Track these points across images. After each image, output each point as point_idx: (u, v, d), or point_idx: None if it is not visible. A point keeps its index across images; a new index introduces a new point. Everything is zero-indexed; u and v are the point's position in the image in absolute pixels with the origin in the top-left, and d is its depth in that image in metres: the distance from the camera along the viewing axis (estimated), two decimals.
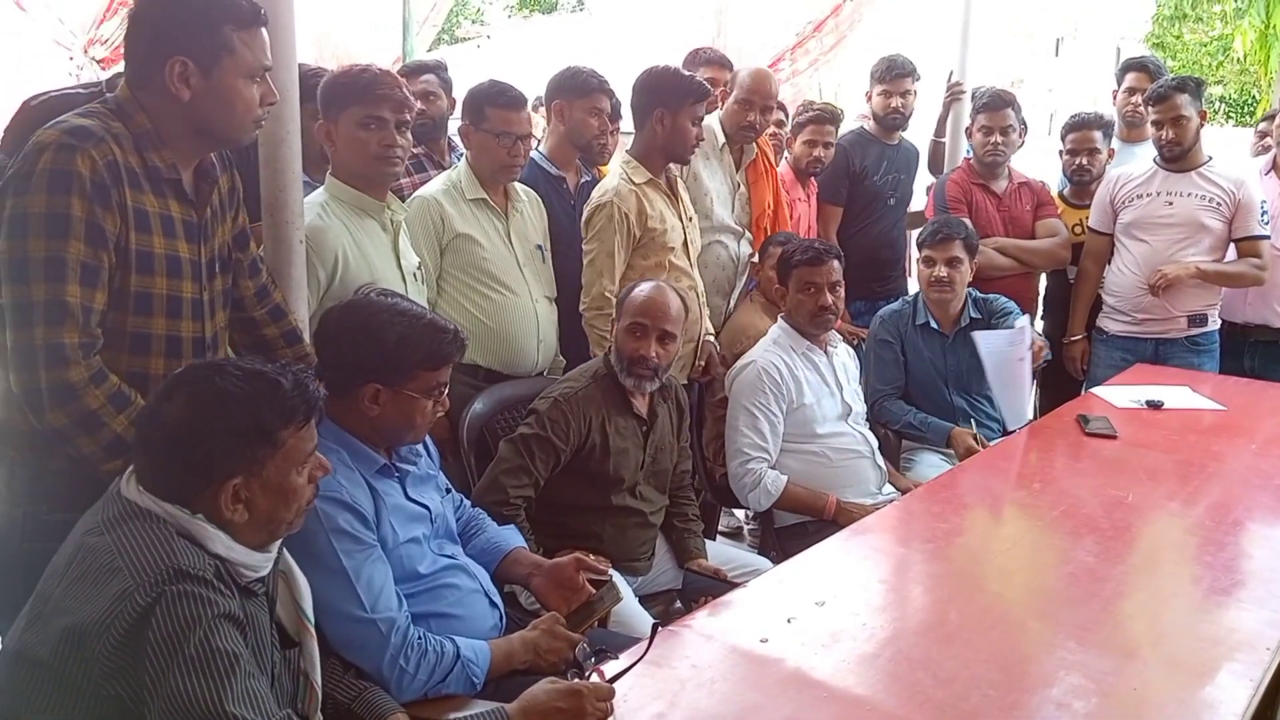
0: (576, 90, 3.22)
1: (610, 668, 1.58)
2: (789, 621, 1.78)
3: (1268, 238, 3.68)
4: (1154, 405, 3.19)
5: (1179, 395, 3.30)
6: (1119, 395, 3.29)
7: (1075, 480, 2.68)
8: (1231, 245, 3.73)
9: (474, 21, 27.43)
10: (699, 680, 1.59)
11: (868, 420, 3.22)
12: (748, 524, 4.16)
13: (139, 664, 1.28)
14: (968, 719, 1.52)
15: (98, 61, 5.75)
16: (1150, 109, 3.73)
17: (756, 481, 2.89)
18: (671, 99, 3.05)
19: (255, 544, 1.48)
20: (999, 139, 3.90)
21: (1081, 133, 4.05)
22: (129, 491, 1.43)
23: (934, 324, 3.40)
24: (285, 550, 1.58)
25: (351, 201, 2.40)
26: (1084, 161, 4.05)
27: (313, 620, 1.62)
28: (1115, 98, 4.40)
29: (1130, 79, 4.29)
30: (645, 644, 1.59)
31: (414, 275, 2.55)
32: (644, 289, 2.57)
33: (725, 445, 3.00)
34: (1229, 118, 18.75)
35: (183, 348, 1.83)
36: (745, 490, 2.92)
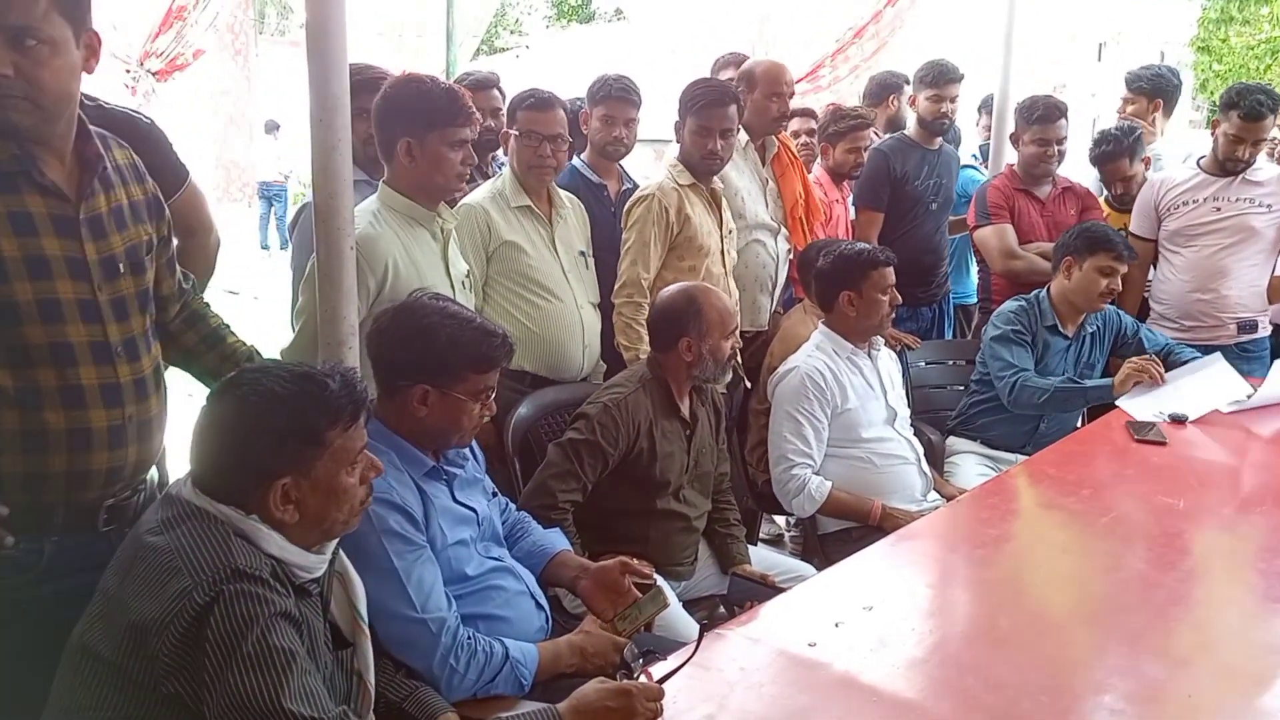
0: (589, 97, 3.36)
1: (658, 670, 1.59)
2: (836, 626, 1.77)
3: None
4: (1177, 420, 3.08)
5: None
6: (1144, 408, 3.17)
7: (1124, 487, 2.65)
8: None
9: (513, 31, 27.67)
10: (747, 683, 1.60)
11: (1010, 402, 3.26)
12: (789, 530, 4.14)
13: (198, 662, 1.31)
14: None
15: (153, 74, 5.88)
16: (1236, 120, 3.62)
17: (801, 487, 2.88)
18: (686, 109, 3.14)
19: (308, 544, 1.51)
20: (1054, 149, 3.86)
21: (1114, 165, 4.02)
22: (186, 493, 1.46)
23: (1060, 326, 3.39)
24: (341, 551, 1.61)
25: (404, 211, 2.43)
26: (1122, 190, 4.03)
27: (367, 621, 1.64)
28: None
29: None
30: (693, 646, 1.60)
31: (463, 283, 2.58)
32: (719, 299, 2.62)
33: (769, 451, 2.99)
34: None
35: (77, 354, 1.62)
36: (789, 496, 2.91)
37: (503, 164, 3.85)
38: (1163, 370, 3.21)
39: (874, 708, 1.54)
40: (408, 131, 2.34)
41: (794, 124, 4.16)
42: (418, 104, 2.35)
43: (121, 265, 1.71)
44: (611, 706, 1.43)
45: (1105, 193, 4.19)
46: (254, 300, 8.97)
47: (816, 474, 2.91)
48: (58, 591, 1.61)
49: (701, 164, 3.16)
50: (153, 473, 1.85)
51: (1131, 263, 3.79)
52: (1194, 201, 3.70)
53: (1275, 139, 4.55)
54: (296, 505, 1.47)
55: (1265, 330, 3.75)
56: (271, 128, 14.84)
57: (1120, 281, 3.33)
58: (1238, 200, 3.63)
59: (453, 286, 2.51)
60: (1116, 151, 3.98)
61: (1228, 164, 3.66)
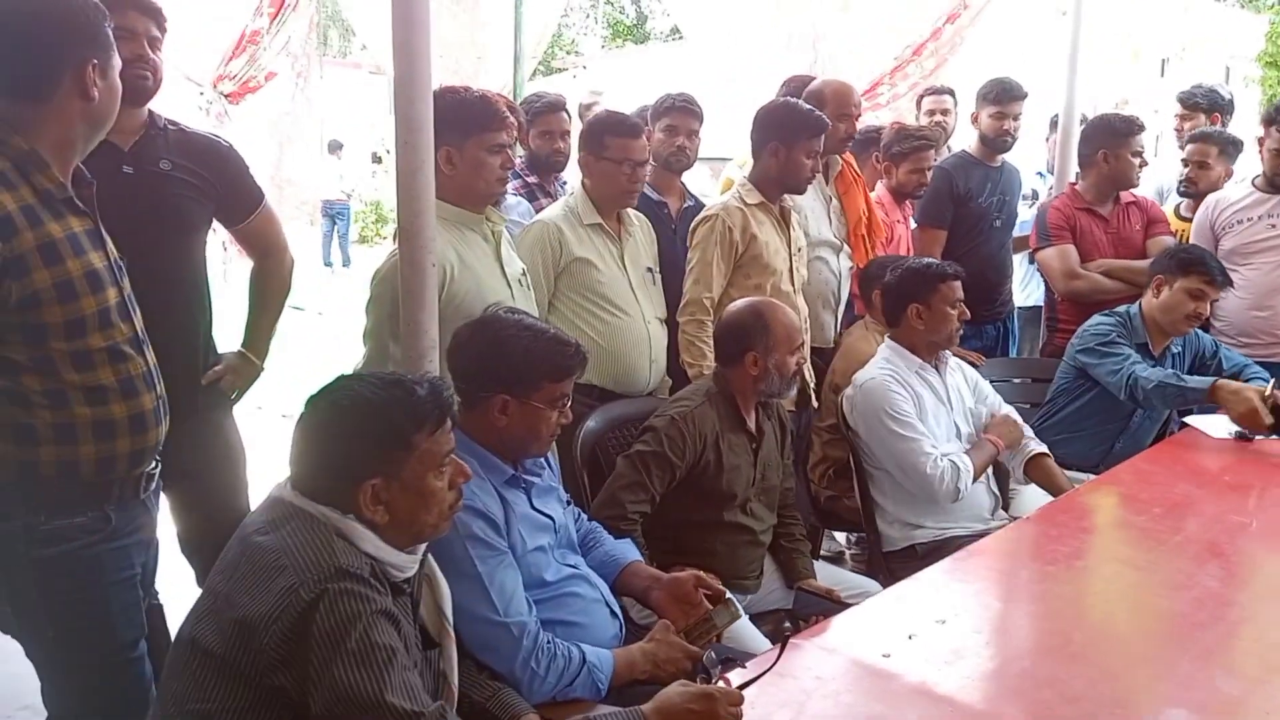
0: (653, 112, 3.46)
1: (735, 677, 1.63)
2: (910, 638, 1.80)
3: None
4: (1243, 437, 3.06)
5: None
6: (1214, 425, 3.16)
7: (1195, 506, 2.63)
8: None
9: (569, 52, 27.99)
10: (824, 691, 1.63)
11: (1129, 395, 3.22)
12: (850, 549, 4.15)
13: (304, 656, 1.37)
14: None
15: (225, 96, 6.08)
16: (1276, 135, 3.63)
17: (954, 473, 2.81)
18: (787, 134, 3.14)
19: (399, 546, 1.57)
20: (1141, 161, 3.87)
21: (1198, 145, 4.02)
22: (287, 495, 1.54)
23: (1150, 345, 3.38)
24: (430, 555, 1.67)
25: (453, 218, 2.50)
26: (1192, 174, 4.00)
27: (452, 623, 1.71)
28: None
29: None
30: (776, 653, 1.64)
31: (519, 281, 2.65)
32: (786, 314, 2.64)
33: (900, 464, 2.87)
34: None
35: (125, 350, 1.86)
36: (944, 486, 2.81)
37: (565, 183, 3.96)
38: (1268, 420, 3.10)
39: (949, 716, 1.56)
40: (447, 140, 2.40)
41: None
42: (455, 113, 2.42)
43: (121, 264, 1.93)
44: (695, 709, 1.47)
45: (1179, 202, 4.18)
46: (318, 316, 9.22)
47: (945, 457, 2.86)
48: (120, 549, 1.93)
49: (801, 185, 3.22)
50: None
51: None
52: (1248, 220, 3.69)
53: None
54: (387, 506, 1.54)
55: None
56: (335, 147, 15.20)
57: (1208, 307, 3.30)
58: None
59: (509, 285, 2.59)
60: (1208, 135, 4.04)
61: (1276, 179, 3.63)
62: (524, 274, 2.71)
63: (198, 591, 2.65)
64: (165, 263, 2.45)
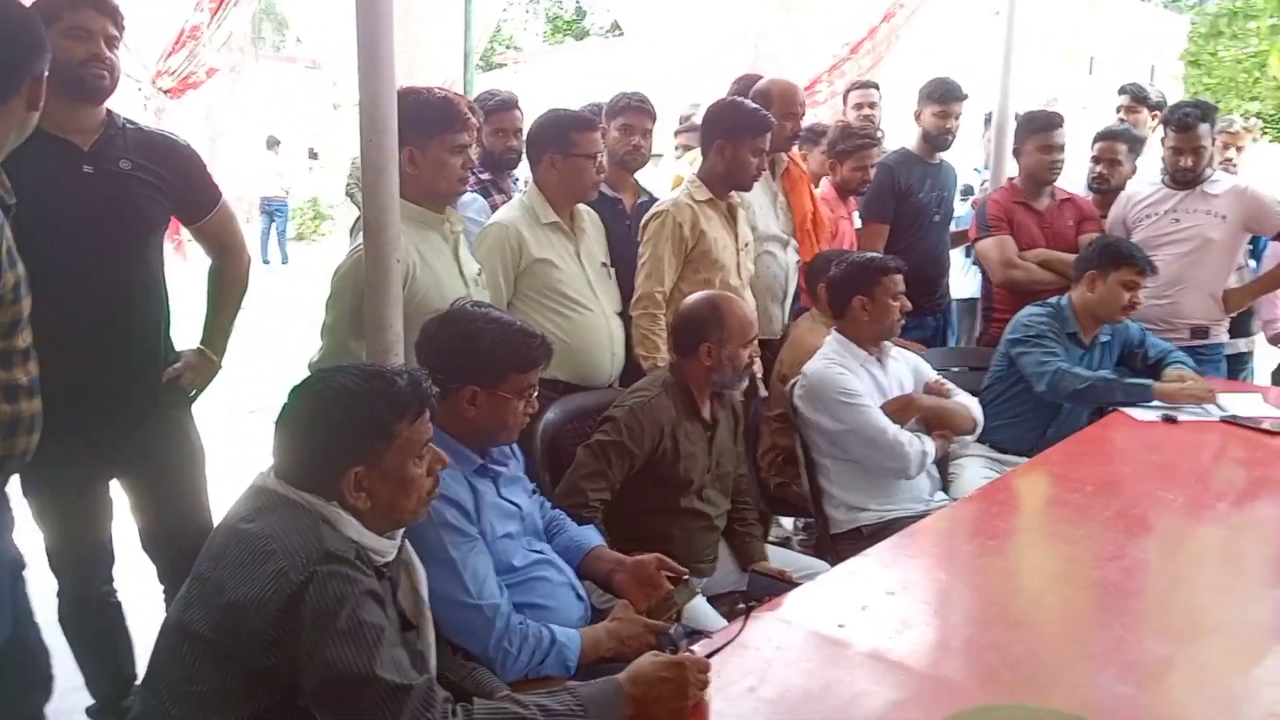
0: (608, 111, 3.53)
1: (700, 649, 1.72)
2: (863, 609, 1.91)
3: None
4: (1169, 419, 3.25)
5: (1250, 403, 3.40)
6: (1139, 410, 3.35)
7: (1124, 484, 2.79)
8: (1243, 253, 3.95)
9: (508, 47, 27.85)
10: (784, 659, 1.73)
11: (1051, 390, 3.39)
12: (797, 534, 4.27)
13: (295, 637, 1.43)
14: (1038, 695, 1.64)
15: (165, 92, 6.01)
16: (1172, 134, 3.86)
17: (919, 451, 2.95)
18: (733, 132, 3.23)
19: (380, 531, 1.63)
20: (1058, 158, 4.06)
21: (1108, 143, 4.23)
22: (271, 483, 1.59)
23: (1080, 335, 3.55)
24: (408, 542, 1.73)
25: (415, 217, 2.55)
26: (1103, 170, 4.22)
27: (429, 606, 1.77)
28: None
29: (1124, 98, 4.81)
30: (739, 625, 1.73)
31: (475, 281, 2.71)
32: (740, 308, 2.74)
33: (862, 433, 2.98)
34: (1264, 133, 18.66)
35: (32, 351, 1.90)
36: (913, 464, 2.95)
37: (518, 179, 4.02)
38: (1216, 399, 3.34)
39: (902, 680, 1.67)
40: (410, 140, 2.43)
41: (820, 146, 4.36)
42: (418, 114, 2.46)
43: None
44: (666, 677, 1.55)
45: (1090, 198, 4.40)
46: (256, 313, 9.07)
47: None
48: None
49: (747, 181, 3.31)
50: None
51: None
52: (1156, 214, 3.92)
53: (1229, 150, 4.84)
54: (369, 493, 1.60)
55: (1219, 338, 3.93)
56: (272, 144, 15.00)
57: (1141, 296, 3.50)
58: (1194, 211, 3.84)
59: (466, 284, 2.65)
60: (1115, 133, 4.29)
61: (1177, 175, 3.89)
62: (480, 273, 2.77)
63: (159, 587, 2.70)
64: (125, 262, 2.47)
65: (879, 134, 4.38)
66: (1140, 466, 2.91)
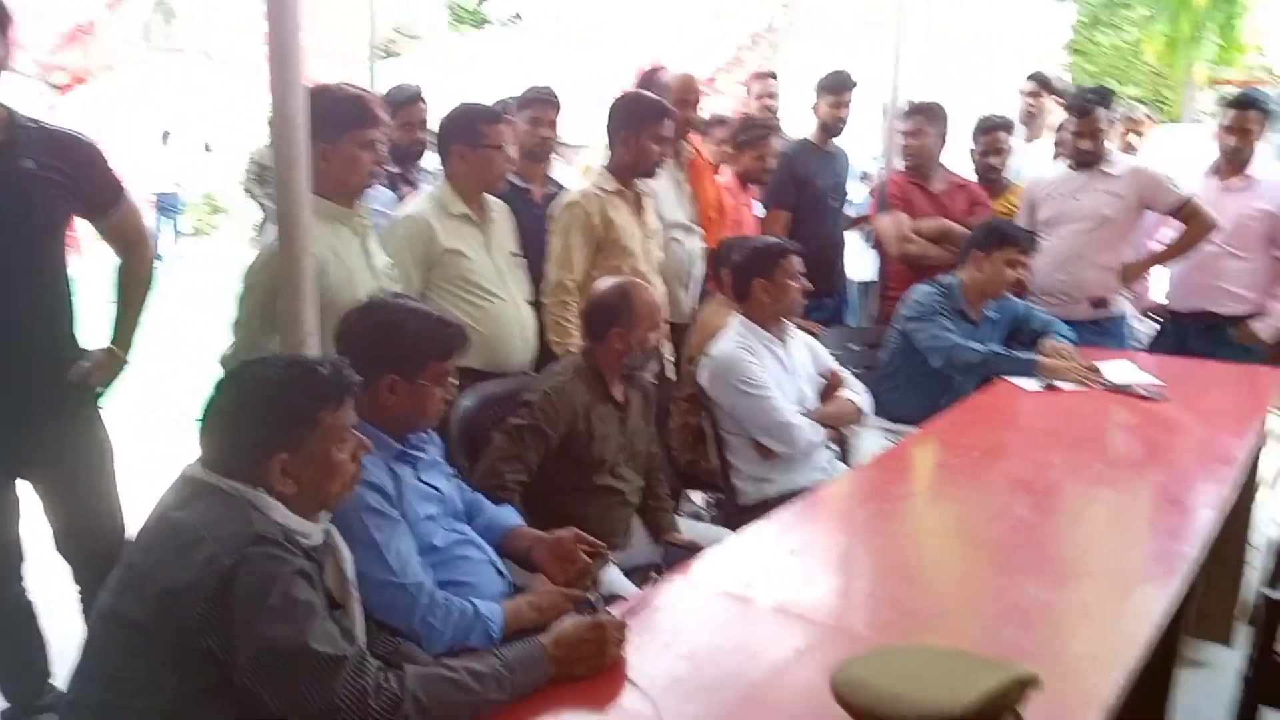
0: (517, 104, 3.64)
1: (617, 612, 1.82)
2: (767, 569, 2.04)
3: (1190, 197, 4.02)
4: (1050, 387, 3.47)
5: (1123, 369, 3.61)
6: (1022, 380, 3.57)
7: (1008, 448, 3.00)
8: (1142, 232, 4.20)
9: (407, 36, 27.40)
10: (695, 618, 1.85)
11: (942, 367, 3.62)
12: (707, 509, 4.42)
13: (228, 618, 1.48)
14: (927, 638, 1.78)
15: (57, 88, 5.84)
16: (1073, 118, 4.10)
17: (809, 437, 3.13)
18: (635, 122, 3.34)
19: (306, 514, 1.69)
20: (913, 142, 4.35)
21: (993, 135, 4.47)
22: (198, 473, 1.64)
23: (968, 312, 3.75)
24: (333, 525, 1.80)
25: (325, 212, 2.58)
26: (994, 161, 4.46)
27: (356, 586, 1.84)
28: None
29: (1030, 84, 5.05)
30: (653, 587, 1.84)
31: (385, 273, 2.76)
32: (648, 294, 2.83)
33: (759, 419, 3.14)
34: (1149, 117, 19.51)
35: None
36: (804, 433, 3.13)
37: (425, 171, 4.06)
38: (1094, 374, 3.54)
39: (805, 630, 1.80)
40: (321, 137, 2.45)
41: (718, 132, 4.49)
42: (330, 111, 2.50)
43: None
44: (586, 637, 1.65)
45: None
46: (152, 310, 8.85)
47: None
48: None
49: (650, 169, 3.41)
50: None
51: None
52: (1060, 194, 4.15)
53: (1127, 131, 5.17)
54: (295, 479, 1.66)
55: (1118, 310, 4.19)
56: (165, 138, 14.57)
57: (1025, 272, 3.75)
58: (1095, 191, 4.09)
59: (376, 277, 2.70)
60: (999, 124, 4.58)
61: (1077, 157, 4.12)
62: (390, 266, 2.82)
63: (72, 587, 2.69)
64: (31, 260, 2.47)
65: (777, 123, 4.55)
66: (1023, 432, 3.12)
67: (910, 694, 1.37)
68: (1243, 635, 3.20)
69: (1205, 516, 2.35)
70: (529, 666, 1.61)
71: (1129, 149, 5.09)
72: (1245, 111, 4.11)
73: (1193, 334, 4.26)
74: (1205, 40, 13.62)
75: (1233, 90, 5.51)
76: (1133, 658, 1.70)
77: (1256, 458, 3.29)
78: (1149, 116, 5.54)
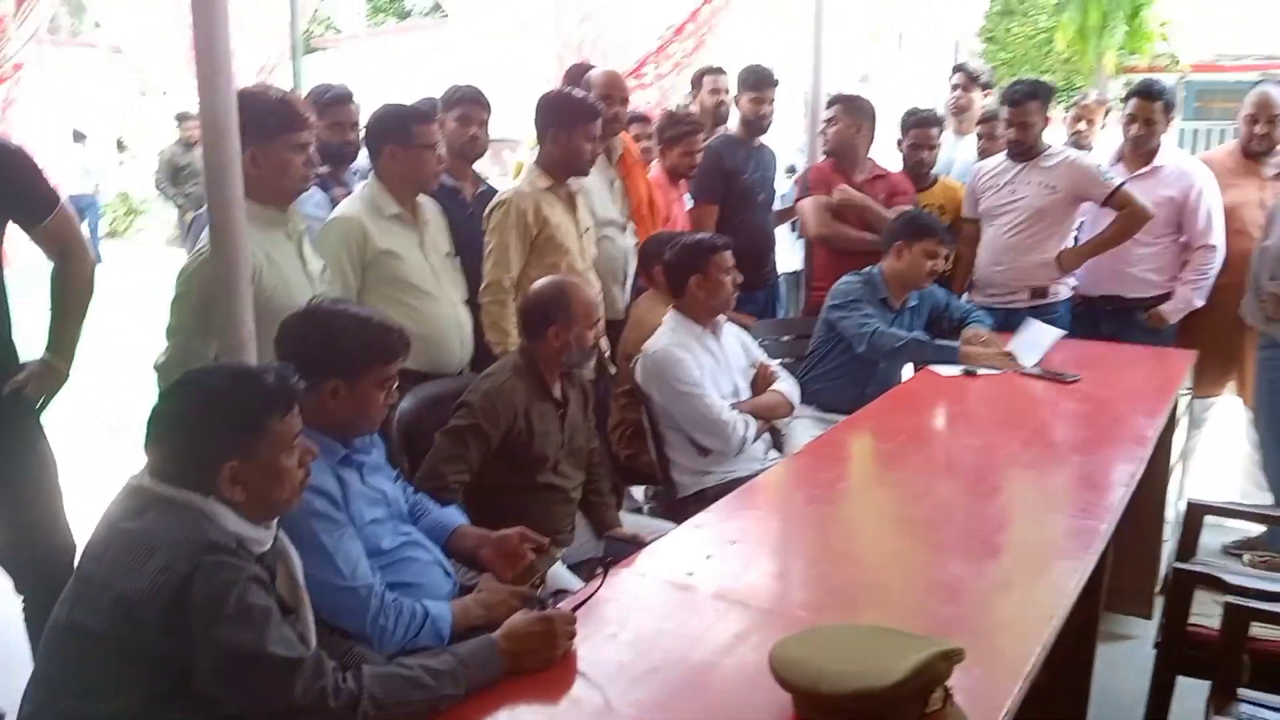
0: (444, 103, 3.63)
1: (565, 605, 1.89)
2: (708, 558, 2.12)
3: (1122, 183, 4.15)
4: (969, 374, 3.61)
5: (1031, 342, 3.78)
6: (944, 366, 3.71)
7: (932, 432, 3.13)
8: (1081, 219, 4.33)
9: (328, 28, 26.93)
10: (641, 607, 1.92)
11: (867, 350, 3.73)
12: (647, 502, 4.50)
13: (185, 625, 1.51)
14: (859, 616, 1.88)
15: None
16: (1005, 110, 4.25)
17: (746, 423, 3.23)
18: (564, 120, 3.38)
19: (256, 520, 1.72)
20: (832, 130, 4.45)
21: (922, 130, 4.59)
22: (147, 484, 1.66)
23: (890, 301, 3.87)
24: (282, 531, 1.83)
25: (259, 216, 2.60)
26: (924, 155, 4.59)
27: (306, 591, 1.87)
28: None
29: (958, 78, 5.17)
30: (599, 581, 1.91)
31: (320, 277, 2.79)
32: (584, 292, 2.88)
33: (693, 418, 3.23)
34: (1058, 102, 20.07)
35: None
36: (737, 430, 3.23)
37: (356, 171, 4.05)
38: (1011, 360, 3.68)
39: (744, 615, 1.89)
40: (251, 141, 2.47)
41: (634, 129, 4.53)
42: (259, 115, 2.51)
43: None
44: (536, 630, 1.71)
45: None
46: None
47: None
48: None
49: (583, 167, 3.46)
50: None
51: (959, 244, 4.30)
52: (997, 186, 4.29)
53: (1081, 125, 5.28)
54: (244, 486, 1.68)
55: (1059, 297, 4.32)
56: (78, 137, 14.15)
57: (943, 262, 3.88)
58: (1030, 184, 4.21)
59: (312, 281, 2.72)
60: (929, 119, 4.69)
61: (1012, 147, 4.25)
62: (324, 270, 2.83)
63: (15, 600, 2.66)
64: None
65: (726, 116, 4.64)
66: (945, 417, 3.26)
67: (844, 670, 1.46)
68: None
69: (1118, 494, 2.49)
70: (482, 662, 1.66)
71: (1080, 137, 5.16)
72: (1148, 101, 4.27)
73: (1104, 317, 4.42)
74: (1115, 28, 14.04)
75: (1137, 78, 5.66)
76: (1049, 629, 1.81)
77: (1169, 437, 3.47)
78: (1100, 103, 5.61)
